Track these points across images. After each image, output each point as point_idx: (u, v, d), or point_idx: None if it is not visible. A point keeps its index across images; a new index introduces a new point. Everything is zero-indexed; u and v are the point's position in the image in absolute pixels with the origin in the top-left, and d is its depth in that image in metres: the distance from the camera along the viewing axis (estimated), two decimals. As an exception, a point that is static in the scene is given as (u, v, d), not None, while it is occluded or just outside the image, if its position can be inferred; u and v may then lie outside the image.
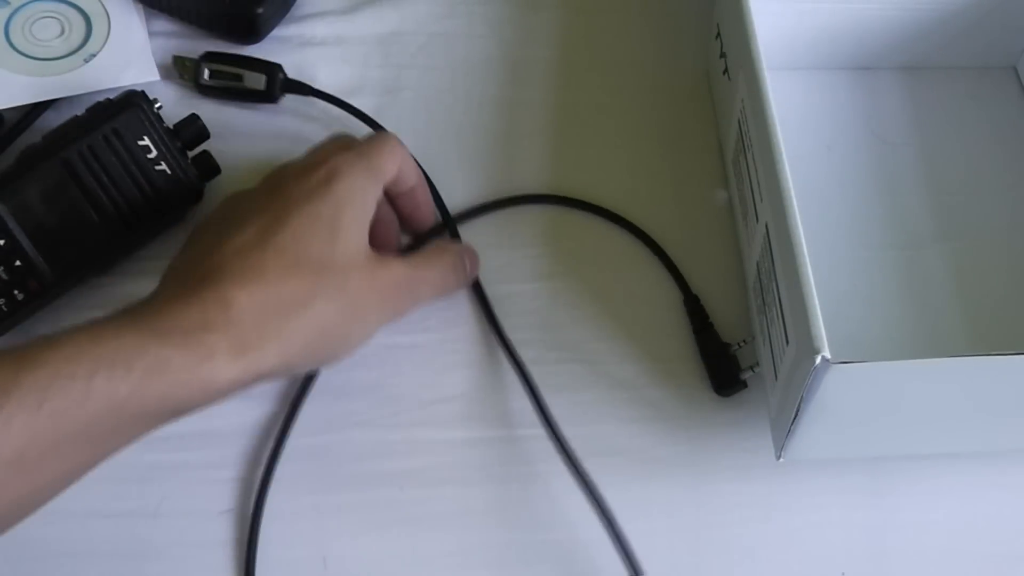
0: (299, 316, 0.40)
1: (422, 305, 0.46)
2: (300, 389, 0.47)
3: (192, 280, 0.39)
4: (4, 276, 0.47)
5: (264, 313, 0.39)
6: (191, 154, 0.50)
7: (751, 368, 0.47)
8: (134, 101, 0.48)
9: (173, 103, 0.55)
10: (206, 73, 0.55)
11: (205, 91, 0.55)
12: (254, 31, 0.57)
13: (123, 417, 0.36)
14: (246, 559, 0.44)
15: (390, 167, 0.45)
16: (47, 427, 0.34)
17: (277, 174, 0.45)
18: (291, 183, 0.43)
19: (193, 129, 0.50)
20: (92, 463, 0.37)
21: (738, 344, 0.48)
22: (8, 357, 0.35)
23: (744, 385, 0.47)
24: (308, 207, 0.42)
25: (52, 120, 0.49)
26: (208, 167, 0.51)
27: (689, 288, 0.50)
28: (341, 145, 0.46)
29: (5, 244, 0.46)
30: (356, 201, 0.43)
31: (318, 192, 0.42)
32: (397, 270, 0.44)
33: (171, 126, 0.50)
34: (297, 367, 0.42)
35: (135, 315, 0.38)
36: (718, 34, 0.54)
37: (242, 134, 0.55)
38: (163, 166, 0.49)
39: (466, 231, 0.52)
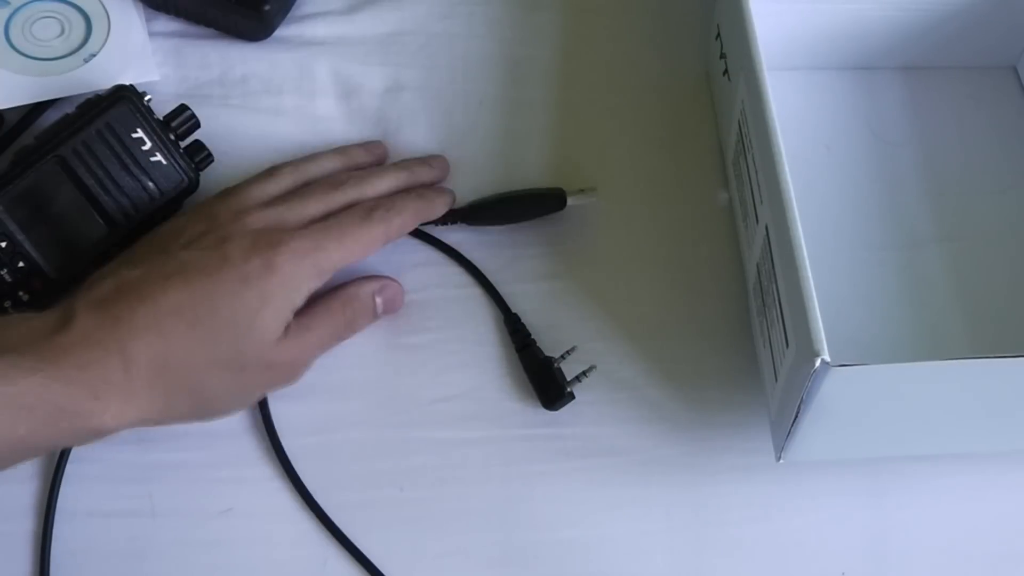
0: (189, 383, 0.42)
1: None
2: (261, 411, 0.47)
3: (105, 316, 0.41)
4: (8, 278, 0.47)
5: (159, 371, 0.41)
6: (183, 144, 0.50)
7: (580, 377, 0.47)
8: (124, 95, 0.48)
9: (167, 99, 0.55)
10: None
11: None
12: (262, 29, 0.57)
13: (17, 449, 0.39)
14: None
15: (341, 258, 0.45)
16: None
17: (231, 211, 0.45)
18: (235, 247, 0.43)
19: (184, 119, 0.50)
20: None
21: (562, 356, 0.48)
22: None
23: (571, 397, 0.47)
24: (236, 295, 0.42)
25: (52, 120, 0.49)
26: (202, 156, 0.51)
27: (508, 307, 0.49)
28: (310, 196, 0.46)
29: (7, 246, 0.46)
30: (287, 295, 0.43)
31: (253, 279, 0.42)
32: (292, 350, 0.44)
33: (161, 117, 0.50)
34: (176, 422, 0.44)
35: (46, 350, 0.39)
36: (718, 34, 0.54)
37: (230, 127, 0.55)
38: (158, 157, 0.49)
39: (466, 230, 0.52)
